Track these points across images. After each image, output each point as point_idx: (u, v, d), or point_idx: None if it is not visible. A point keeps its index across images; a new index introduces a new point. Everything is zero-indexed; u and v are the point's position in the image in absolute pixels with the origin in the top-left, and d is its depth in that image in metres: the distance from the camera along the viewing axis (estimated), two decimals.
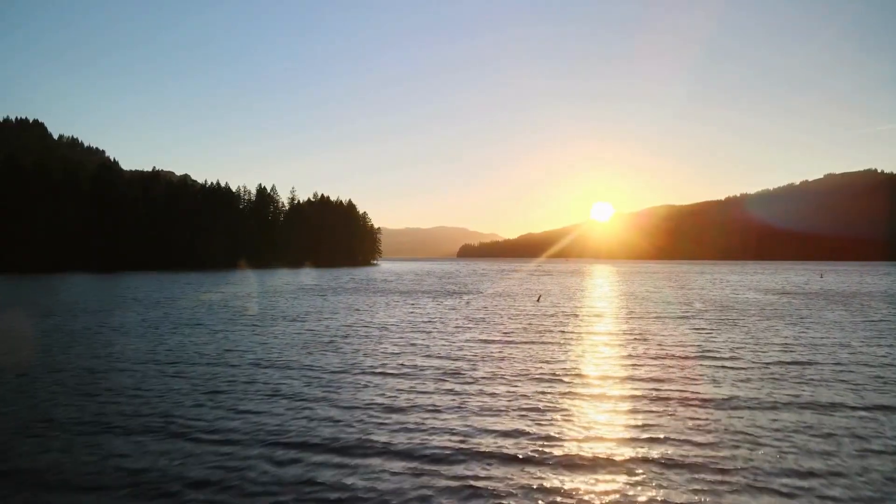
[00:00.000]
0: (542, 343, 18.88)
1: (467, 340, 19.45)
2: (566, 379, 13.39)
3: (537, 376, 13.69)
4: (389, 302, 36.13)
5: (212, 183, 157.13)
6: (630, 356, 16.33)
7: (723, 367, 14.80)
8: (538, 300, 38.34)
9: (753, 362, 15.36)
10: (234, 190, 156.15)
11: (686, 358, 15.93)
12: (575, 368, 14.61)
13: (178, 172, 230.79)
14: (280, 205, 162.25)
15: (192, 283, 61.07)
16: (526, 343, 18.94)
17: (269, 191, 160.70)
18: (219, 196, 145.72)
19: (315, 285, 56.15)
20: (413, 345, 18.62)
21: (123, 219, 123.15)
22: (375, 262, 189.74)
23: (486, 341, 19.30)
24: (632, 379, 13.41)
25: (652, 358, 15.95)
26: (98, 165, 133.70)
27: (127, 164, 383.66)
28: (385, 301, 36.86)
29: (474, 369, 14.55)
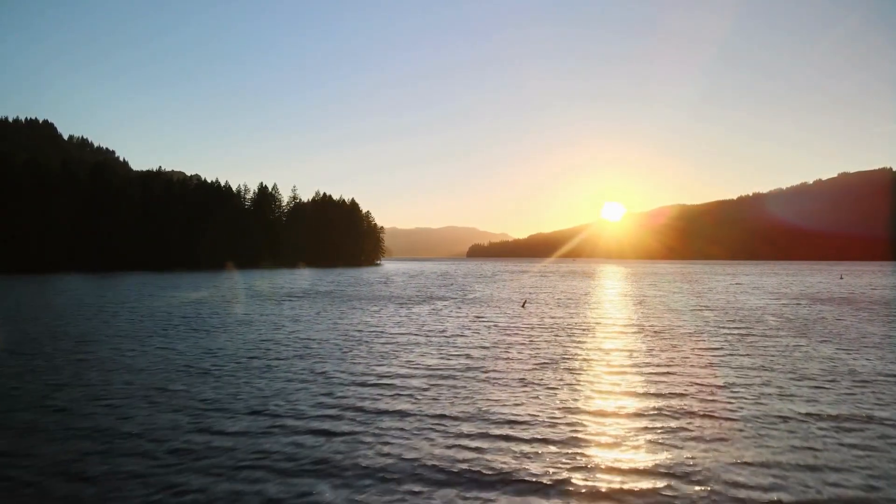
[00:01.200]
0: (491, 382, 13.19)
1: (390, 374, 14.03)
2: (495, 461, 8.07)
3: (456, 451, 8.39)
4: (346, 310, 30.73)
5: (212, 181, 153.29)
6: (611, 407, 10.94)
7: (745, 421, 9.43)
8: (523, 306, 33.04)
9: (791, 415, 9.98)
10: (234, 188, 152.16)
11: (691, 410, 10.50)
12: (523, 434, 9.24)
13: (189, 172, 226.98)
14: (282, 204, 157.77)
15: (163, 286, 56.38)
16: (469, 377, 13.46)
17: (270, 189, 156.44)
18: (218, 194, 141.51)
19: (286, 288, 51.07)
20: (312, 377, 13.37)
21: (119, 218, 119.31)
22: (379, 262, 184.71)
23: (414, 374, 13.86)
24: (605, 447, 8.08)
25: (645, 410, 10.59)
26: (93, 163, 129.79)
27: (138, 165, 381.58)
28: (341, 309, 31.48)
29: (356, 444, 9.25)
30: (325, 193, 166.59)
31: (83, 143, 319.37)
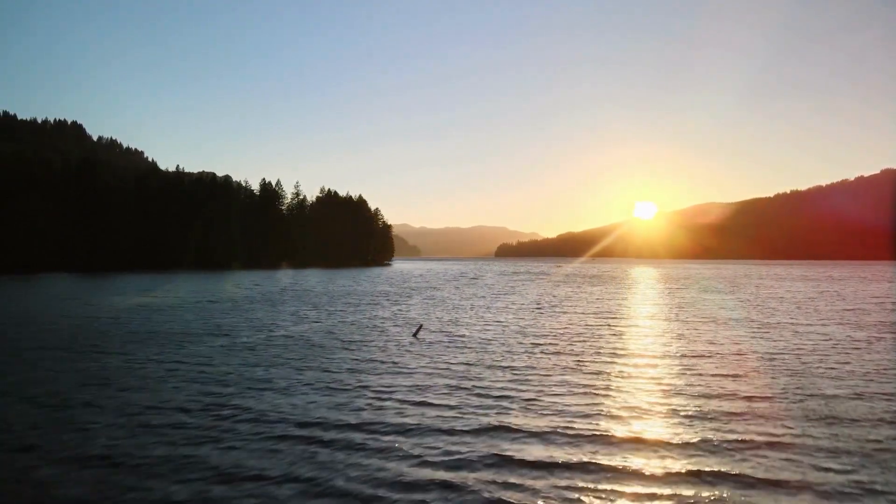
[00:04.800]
0: None
1: None
2: None
3: None
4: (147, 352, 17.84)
5: (211, 177, 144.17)
6: None
7: None
8: (415, 335, 19.76)
9: None
10: (234, 185, 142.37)
11: None
12: None
13: (220, 174, 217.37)
14: (285, 201, 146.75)
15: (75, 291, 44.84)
16: None
17: (274, 186, 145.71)
18: (215, 191, 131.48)
19: (185, 302, 38.53)
20: None
21: (108, 216, 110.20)
22: (388, 262, 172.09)
23: None
24: None
25: None
26: (81, 159, 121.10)
27: (166, 165, 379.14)
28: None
29: None
30: (329, 189, 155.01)
31: (112, 144, 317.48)
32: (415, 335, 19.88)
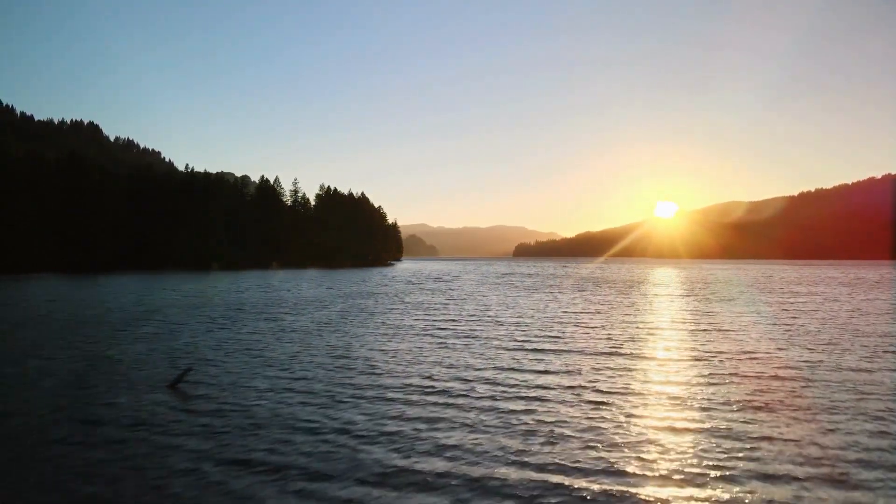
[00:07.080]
0: None
1: None
2: None
3: None
4: None
5: (211, 172, 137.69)
6: None
7: None
8: (175, 385, 10.79)
9: None
10: (230, 182, 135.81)
11: None
12: None
13: (239, 174, 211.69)
14: (284, 198, 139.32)
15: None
16: None
17: (272, 183, 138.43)
18: (210, 189, 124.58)
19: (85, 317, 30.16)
20: None
21: (100, 215, 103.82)
22: (392, 262, 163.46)
23: None
24: None
25: None
26: (68, 155, 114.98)
27: (184, 166, 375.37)
28: None
29: None
30: (329, 187, 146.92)
31: (128, 145, 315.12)
32: (173, 385, 10.94)
